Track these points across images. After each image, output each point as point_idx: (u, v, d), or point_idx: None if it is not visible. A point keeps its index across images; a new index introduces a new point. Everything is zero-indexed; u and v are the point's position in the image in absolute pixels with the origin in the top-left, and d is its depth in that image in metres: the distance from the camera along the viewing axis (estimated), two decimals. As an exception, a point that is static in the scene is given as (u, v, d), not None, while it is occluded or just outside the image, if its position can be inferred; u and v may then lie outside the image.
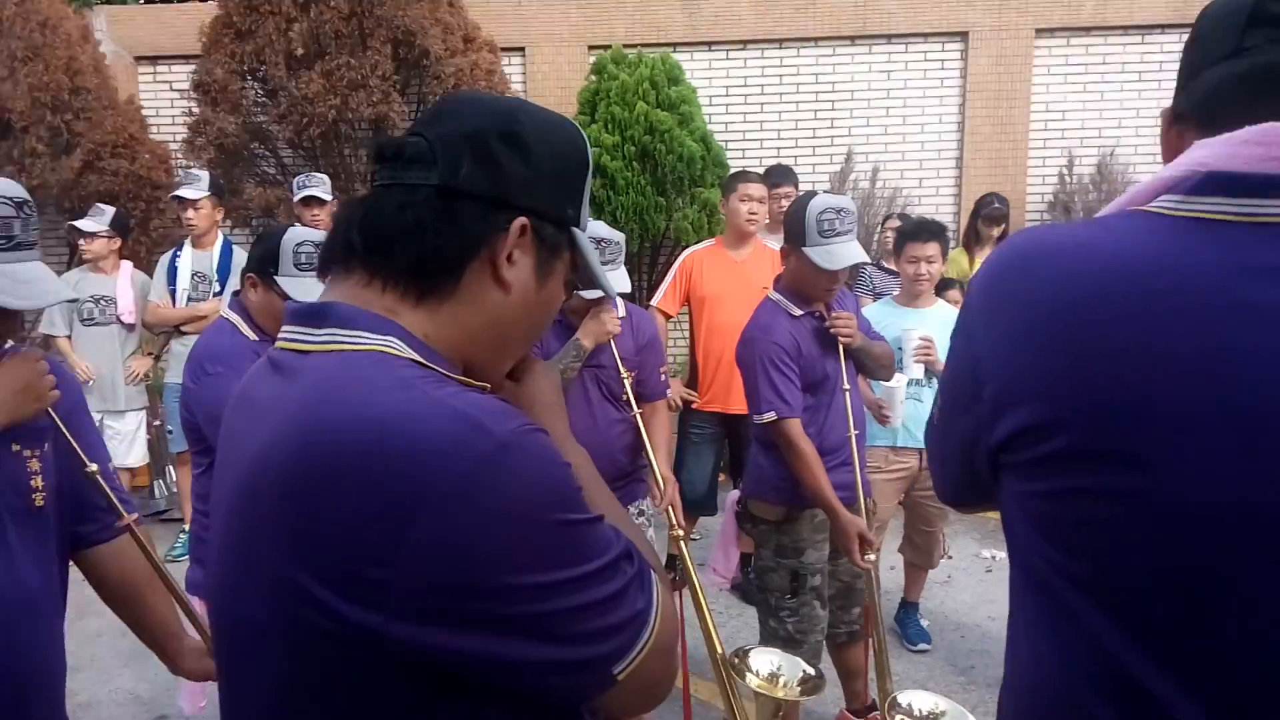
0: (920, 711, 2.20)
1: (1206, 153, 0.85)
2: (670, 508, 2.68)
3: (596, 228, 2.62)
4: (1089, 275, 0.85)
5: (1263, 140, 0.82)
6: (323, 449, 0.73)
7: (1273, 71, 0.85)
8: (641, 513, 2.84)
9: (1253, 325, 0.79)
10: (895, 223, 5.11)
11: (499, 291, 0.87)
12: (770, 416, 2.57)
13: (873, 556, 2.60)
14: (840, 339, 2.66)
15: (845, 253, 2.52)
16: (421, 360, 0.81)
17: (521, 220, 0.86)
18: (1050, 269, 0.88)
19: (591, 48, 7.17)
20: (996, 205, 5.55)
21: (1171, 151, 0.93)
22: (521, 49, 7.27)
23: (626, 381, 2.70)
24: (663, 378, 2.91)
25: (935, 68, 7.28)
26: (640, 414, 2.73)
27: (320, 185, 4.67)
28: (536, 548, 0.73)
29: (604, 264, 2.59)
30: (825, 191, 2.69)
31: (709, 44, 7.23)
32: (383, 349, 0.80)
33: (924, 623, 3.82)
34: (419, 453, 0.71)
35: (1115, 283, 0.83)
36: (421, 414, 0.73)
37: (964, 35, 7.17)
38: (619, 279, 2.63)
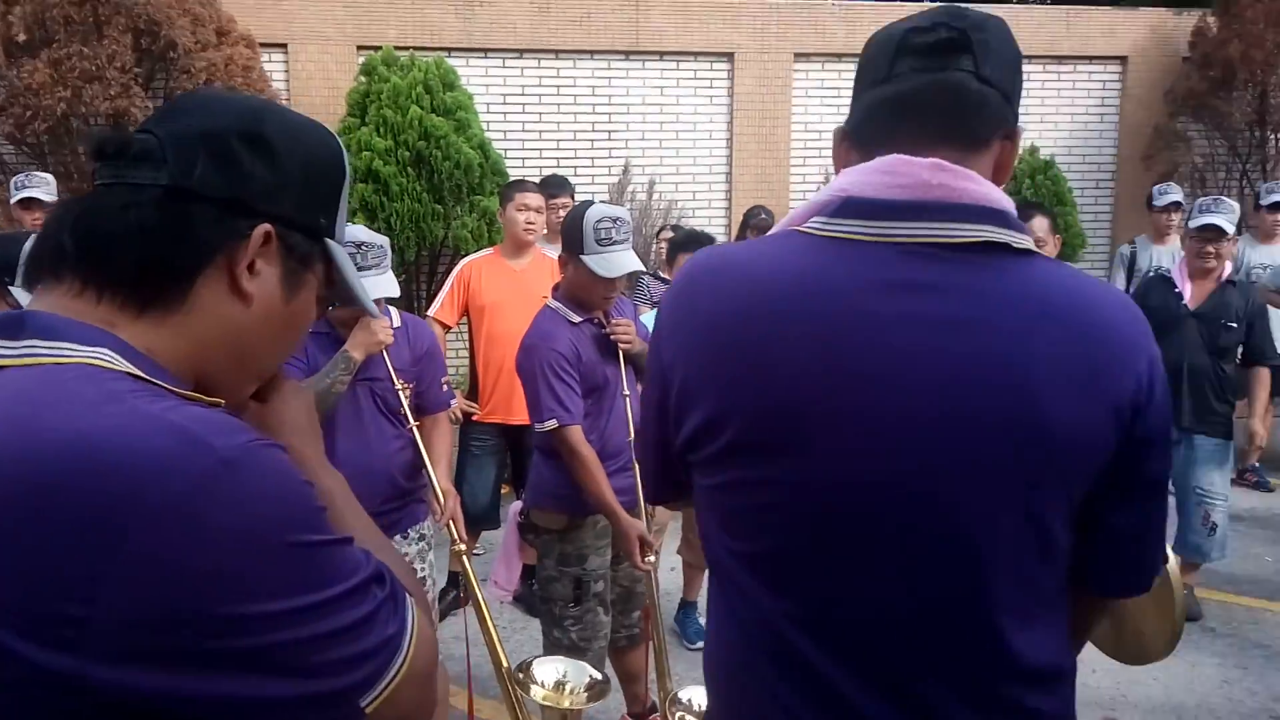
0: (699, 707, 2.26)
1: (847, 180, 0.96)
2: (451, 522, 2.60)
3: (356, 231, 2.50)
4: (747, 292, 0.95)
5: (889, 170, 0.93)
6: (16, 469, 0.63)
7: (910, 96, 0.95)
8: (423, 537, 2.74)
9: (878, 332, 0.90)
10: (670, 233, 5.26)
11: (238, 304, 0.80)
12: (551, 424, 2.55)
13: (653, 558, 2.64)
14: (620, 345, 2.69)
15: (622, 261, 2.56)
16: (139, 374, 0.72)
17: (265, 227, 0.80)
18: (720, 284, 0.98)
19: (360, 48, 6.90)
20: (763, 216, 5.84)
21: (841, 166, 1.03)
22: (284, 45, 6.89)
23: (403, 394, 2.60)
24: (445, 388, 2.82)
25: (705, 86, 7.59)
26: (419, 427, 2.64)
27: (43, 186, 4.19)
28: (268, 573, 0.66)
29: (366, 269, 2.47)
30: (603, 202, 2.70)
31: (485, 51, 7.17)
32: (91, 361, 0.71)
33: (702, 621, 3.92)
34: (128, 471, 0.63)
35: (767, 298, 0.94)
36: (132, 429, 0.65)
37: (730, 56, 7.53)
38: (385, 284, 2.52)
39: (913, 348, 0.90)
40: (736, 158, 7.61)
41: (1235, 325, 3.82)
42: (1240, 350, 3.89)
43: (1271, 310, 4.36)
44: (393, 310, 2.70)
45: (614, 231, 2.55)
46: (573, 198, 4.51)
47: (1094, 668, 3.36)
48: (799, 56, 7.58)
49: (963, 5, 1.00)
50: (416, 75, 5.99)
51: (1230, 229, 3.83)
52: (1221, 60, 7.18)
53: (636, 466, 2.69)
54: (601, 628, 2.69)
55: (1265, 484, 5.64)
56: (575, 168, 7.29)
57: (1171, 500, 4.00)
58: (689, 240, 3.66)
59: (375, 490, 2.54)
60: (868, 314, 0.91)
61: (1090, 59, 8.01)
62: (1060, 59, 7.94)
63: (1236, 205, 4.01)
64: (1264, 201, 5.36)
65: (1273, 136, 7.33)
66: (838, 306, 0.91)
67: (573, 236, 2.58)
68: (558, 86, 7.33)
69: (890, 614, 0.93)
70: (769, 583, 0.97)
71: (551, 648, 2.68)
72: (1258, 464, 5.56)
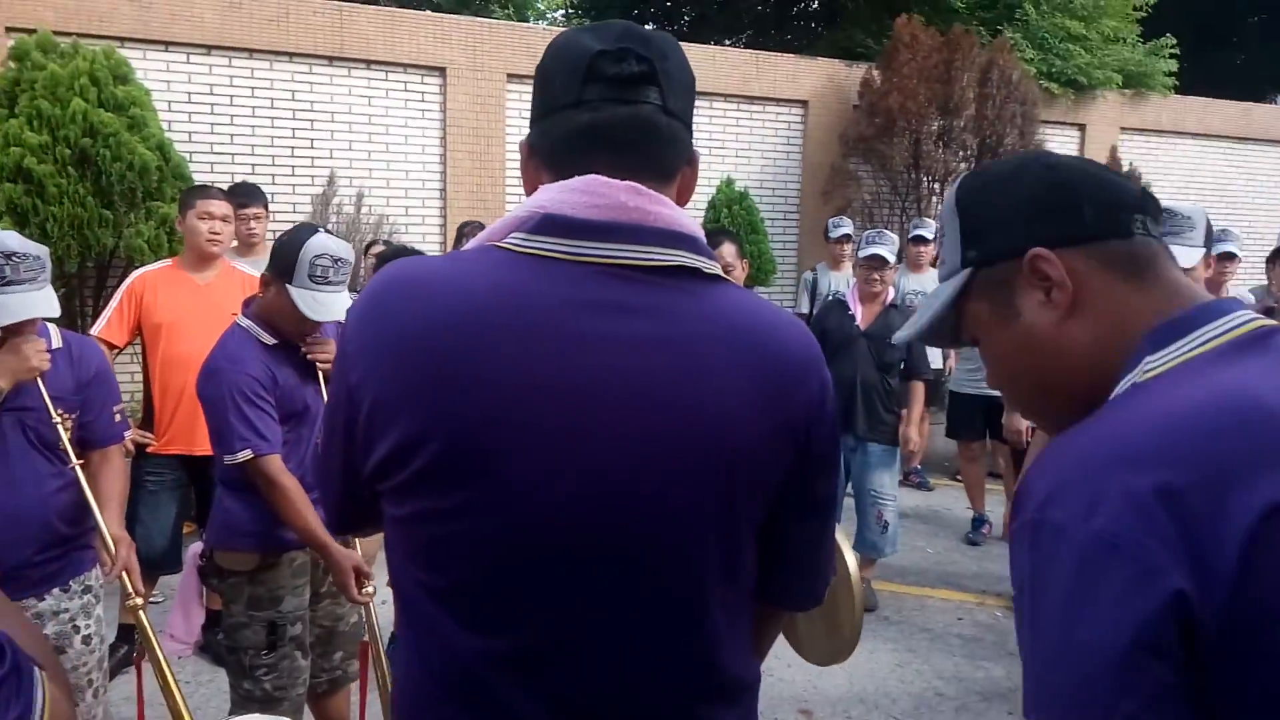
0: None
1: (545, 197, 0.95)
2: (125, 574, 2.30)
3: (6, 239, 2.15)
4: (444, 306, 0.91)
5: (587, 190, 0.93)
6: None
7: (605, 128, 0.95)
8: (88, 589, 2.39)
9: (572, 352, 0.90)
10: (379, 248, 5.04)
11: None
12: (246, 455, 2.33)
13: (371, 589, 2.49)
14: (319, 365, 2.50)
15: (332, 305, 2.37)
16: None
17: None
18: (412, 300, 0.92)
19: (10, 30, 6.01)
20: (477, 225, 5.79)
21: (530, 183, 1.03)
22: (-94, 18, 5.84)
23: (61, 427, 2.25)
24: (117, 418, 2.48)
25: (416, 99, 7.41)
26: (85, 464, 2.31)
27: None
28: None
29: (18, 284, 2.12)
30: (325, 230, 2.48)
31: (165, 44, 6.51)
32: None
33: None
34: None
35: (466, 313, 0.90)
36: None
37: (442, 71, 7.41)
38: (42, 301, 2.18)
39: (607, 368, 0.89)
40: (451, 174, 7.48)
41: (897, 344, 4.29)
42: (902, 366, 4.38)
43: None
44: (52, 329, 2.34)
45: (332, 272, 2.37)
46: (266, 208, 4.19)
47: (789, 663, 3.60)
48: (512, 77, 7.61)
49: (643, 28, 1.00)
50: (81, 65, 5.29)
51: (891, 258, 4.32)
52: (884, 109, 8.13)
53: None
54: (300, 674, 2.48)
55: (926, 484, 6.41)
56: (274, 176, 6.82)
57: (850, 502, 4.43)
58: (398, 256, 3.51)
59: (27, 538, 2.21)
60: (563, 333, 0.89)
61: (777, 101, 8.76)
62: (751, 99, 8.61)
63: (896, 237, 4.55)
64: (910, 235, 6.20)
65: (925, 179, 8.40)
66: (533, 324, 0.89)
67: (285, 260, 2.36)
68: (252, 88, 6.82)
69: (592, 644, 0.91)
70: (460, 617, 0.93)
71: (242, 701, 2.44)
72: (920, 466, 6.31)
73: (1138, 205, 0.87)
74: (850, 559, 1.39)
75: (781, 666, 3.58)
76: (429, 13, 7.88)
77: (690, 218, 0.98)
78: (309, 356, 2.49)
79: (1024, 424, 4.30)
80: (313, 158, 7.03)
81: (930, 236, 6.11)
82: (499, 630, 0.92)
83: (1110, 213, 0.85)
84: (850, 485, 4.38)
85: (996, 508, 5.35)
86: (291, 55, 6.90)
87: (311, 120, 7.02)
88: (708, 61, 8.12)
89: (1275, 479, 0.66)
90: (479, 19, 8.33)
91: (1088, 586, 0.65)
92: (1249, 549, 0.63)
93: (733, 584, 0.96)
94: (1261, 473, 0.66)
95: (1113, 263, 0.84)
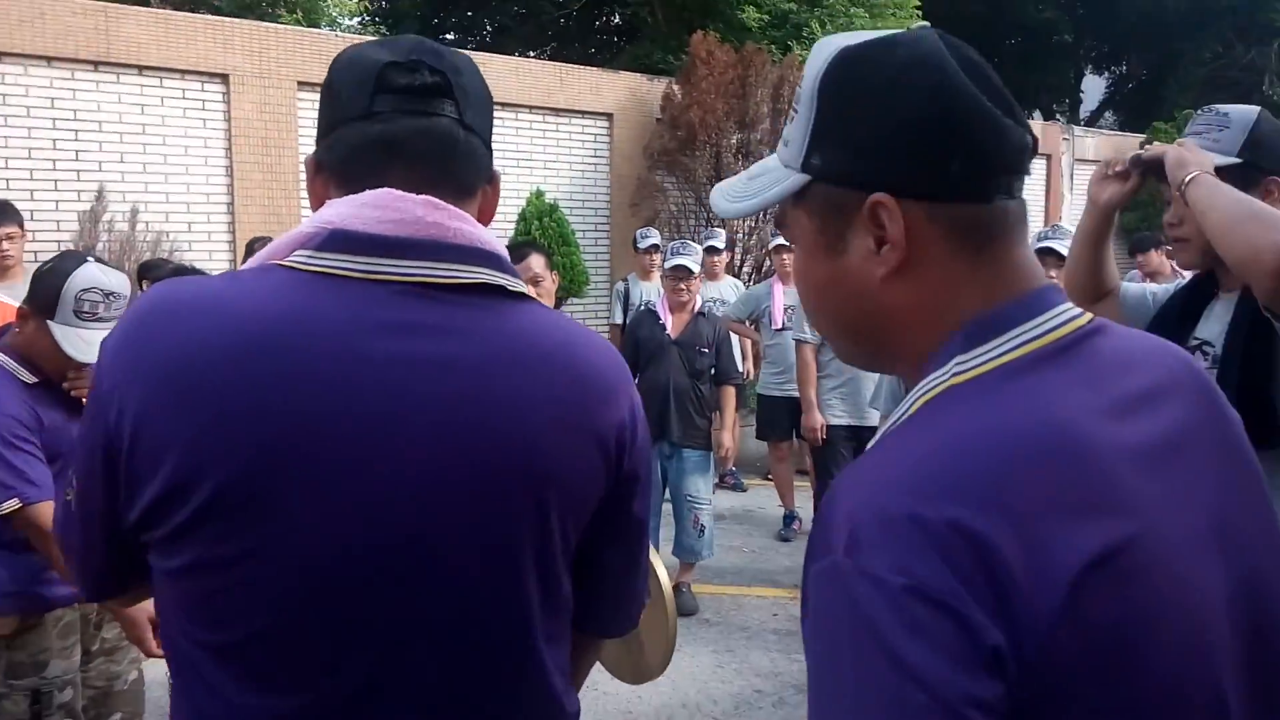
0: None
1: (333, 212, 0.89)
2: None
3: None
4: (221, 330, 0.83)
5: (379, 204, 0.87)
6: None
7: (399, 140, 0.90)
8: None
9: (368, 376, 0.84)
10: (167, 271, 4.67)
11: None
12: (12, 505, 2.07)
13: None
14: (84, 400, 2.27)
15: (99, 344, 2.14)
16: None
17: None
18: (183, 325, 0.84)
19: None
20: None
21: (318, 200, 0.96)
22: None
23: None
24: None
25: (196, 107, 6.93)
26: None
27: None
28: None
29: None
30: (94, 258, 2.22)
31: (-106, 43, 5.77)
32: None
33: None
34: None
35: (246, 337, 0.82)
36: None
37: (225, 78, 6.97)
38: None
39: (403, 392, 0.83)
40: (239, 187, 7.04)
41: (707, 351, 4.42)
42: (713, 371, 4.49)
43: (733, 336, 5.15)
44: None
45: (102, 308, 2.14)
46: (21, 227, 3.79)
47: (611, 676, 3.60)
48: (304, 85, 7.26)
49: (435, 42, 0.97)
50: None
51: (696, 268, 4.45)
52: (685, 123, 8.36)
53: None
54: (72, 745, 2.22)
55: (740, 485, 6.60)
56: (32, 191, 6.18)
57: (668, 508, 4.49)
58: (175, 276, 3.25)
59: None
60: (357, 356, 0.83)
61: (582, 113, 8.82)
62: (557, 111, 8.63)
63: (699, 248, 4.68)
64: (704, 247, 6.42)
65: (726, 190, 8.70)
66: (324, 347, 0.83)
67: (47, 293, 2.11)
68: (3, 95, 6.15)
69: (404, 692, 0.85)
70: (248, 675, 0.84)
71: (2, 783, 2.16)
72: (734, 468, 6.49)
73: (1012, 164, 0.73)
74: (664, 579, 1.38)
75: (605, 679, 3.55)
76: (208, 16, 7.40)
77: (492, 235, 0.93)
78: (73, 392, 2.26)
79: (819, 422, 4.51)
80: (78, 171, 6.43)
81: (721, 246, 6.32)
82: (294, 687, 0.83)
83: (977, 174, 0.72)
84: (667, 491, 4.44)
85: (806, 504, 5.58)
86: (50, 59, 6.28)
87: (76, 130, 6.42)
88: (511, 73, 8.07)
89: (1091, 527, 0.61)
90: (264, 24, 7.90)
91: (905, 642, 0.59)
92: (1065, 605, 0.59)
93: (553, 614, 0.93)
94: (1074, 519, 0.61)
95: (957, 230, 0.72)
